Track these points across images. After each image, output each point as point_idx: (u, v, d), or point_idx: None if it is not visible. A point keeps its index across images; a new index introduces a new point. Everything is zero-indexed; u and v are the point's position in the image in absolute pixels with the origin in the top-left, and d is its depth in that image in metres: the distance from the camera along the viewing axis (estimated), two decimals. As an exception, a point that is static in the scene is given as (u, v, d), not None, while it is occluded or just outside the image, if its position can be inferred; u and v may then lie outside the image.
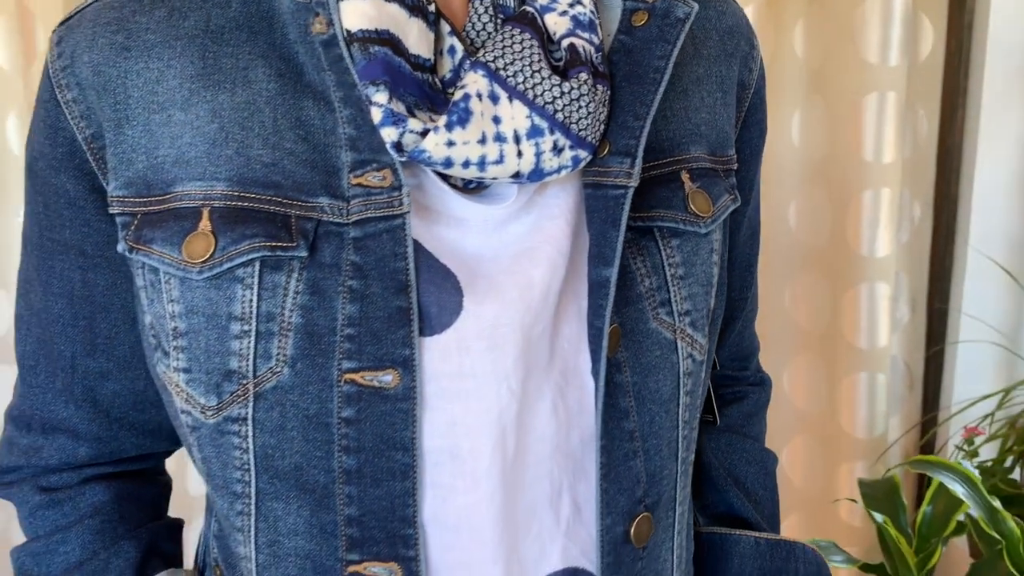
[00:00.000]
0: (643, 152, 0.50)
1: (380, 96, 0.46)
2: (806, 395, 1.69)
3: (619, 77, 0.52)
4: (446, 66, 0.50)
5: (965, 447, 1.45)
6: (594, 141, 0.50)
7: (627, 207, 0.50)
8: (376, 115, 0.46)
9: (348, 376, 0.48)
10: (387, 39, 0.47)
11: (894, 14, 1.48)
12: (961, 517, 1.13)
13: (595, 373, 0.51)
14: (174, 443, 0.63)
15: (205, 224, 0.48)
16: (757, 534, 0.65)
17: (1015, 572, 0.95)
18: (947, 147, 1.58)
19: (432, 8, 0.49)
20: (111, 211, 0.51)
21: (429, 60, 0.49)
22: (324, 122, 0.48)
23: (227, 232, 0.47)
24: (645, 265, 0.53)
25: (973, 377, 1.57)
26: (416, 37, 0.48)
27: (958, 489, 1.00)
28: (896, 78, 1.50)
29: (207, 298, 0.48)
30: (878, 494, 1.19)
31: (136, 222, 0.50)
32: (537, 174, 0.49)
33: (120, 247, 0.51)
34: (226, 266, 0.48)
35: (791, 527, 1.68)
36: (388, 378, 0.47)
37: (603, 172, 0.51)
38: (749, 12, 1.54)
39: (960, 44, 1.53)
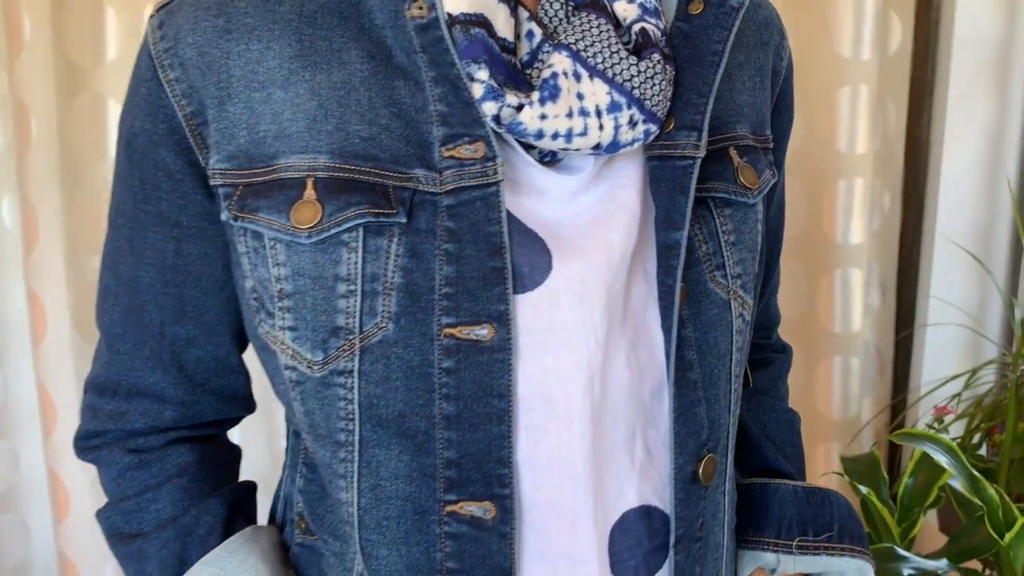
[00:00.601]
0: (707, 126, 0.55)
1: (481, 73, 0.51)
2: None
3: (680, 60, 0.57)
4: (524, 48, 0.54)
5: (935, 426, 1.51)
6: (662, 116, 0.55)
7: (695, 176, 0.55)
8: (477, 90, 0.51)
9: (447, 330, 0.52)
10: (482, 22, 0.51)
11: (866, 10, 1.53)
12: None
13: (666, 328, 0.56)
14: (247, 409, 0.67)
15: (310, 193, 0.51)
16: (794, 483, 0.70)
17: (995, 535, 1.01)
18: (915, 139, 1.64)
19: None
20: (212, 183, 0.55)
21: (511, 42, 0.53)
22: (415, 100, 0.52)
23: (332, 200, 0.51)
24: (702, 232, 0.58)
25: (941, 359, 1.63)
26: (503, 21, 0.53)
27: (941, 459, 1.05)
28: (868, 72, 1.56)
29: (314, 261, 0.52)
30: (860, 469, 1.24)
31: (239, 192, 0.54)
32: (614, 146, 0.53)
33: (224, 216, 0.55)
34: (333, 231, 0.51)
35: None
36: (484, 332, 0.52)
37: (670, 145, 0.56)
38: (727, 8, 1.59)
39: (927, 40, 1.59)
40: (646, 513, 0.57)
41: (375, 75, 0.53)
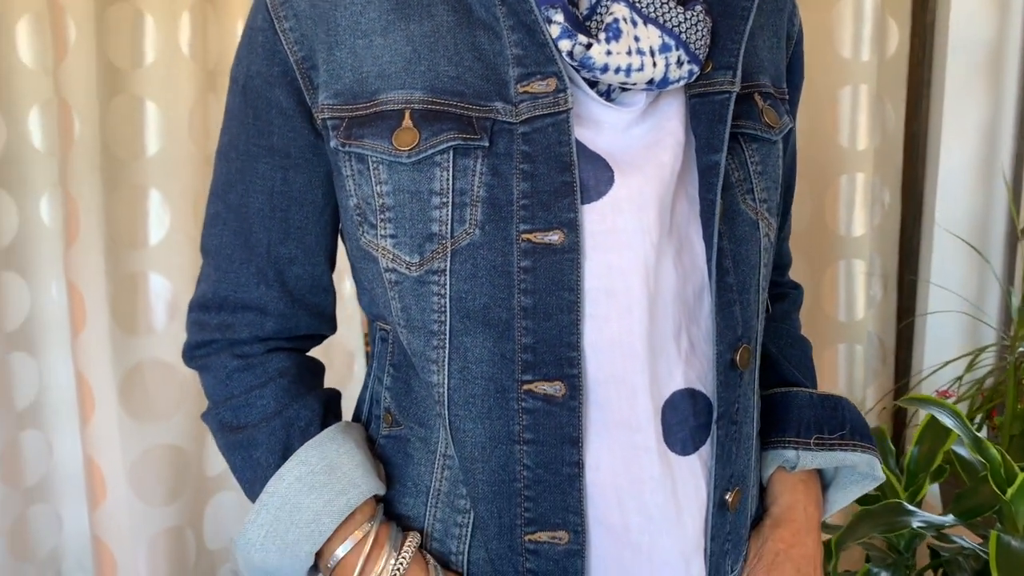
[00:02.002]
0: (741, 67, 0.64)
1: (558, 16, 0.60)
2: (790, 368, 1.82)
3: (715, 14, 0.67)
4: (584, 4, 0.64)
5: (938, 408, 1.58)
6: (703, 59, 0.64)
7: (731, 107, 0.65)
8: (555, 30, 0.60)
9: (525, 236, 0.61)
10: None
11: (865, 13, 1.62)
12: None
13: (707, 237, 0.65)
14: (331, 328, 0.76)
15: (408, 122, 0.61)
16: (810, 390, 0.79)
17: (998, 491, 1.07)
18: (913, 136, 1.72)
19: None
20: (320, 117, 0.64)
21: None
22: (493, 47, 0.62)
23: (427, 127, 0.61)
24: (734, 161, 0.67)
25: (943, 346, 1.70)
26: None
27: (947, 420, 1.12)
28: (868, 71, 1.64)
29: (412, 178, 0.61)
30: (868, 441, 1.31)
31: (345, 124, 0.63)
32: (664, 82, 0.63)
33: (332, 143, 0.63)
34: (429, 152, 0.61)
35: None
36: (555, 237, 0.61)
37: (708, 84, 0.65)
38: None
39: (923, 42, 1.68)
40: (691, 395, 0.66)
41: (459, 25, 0.62)
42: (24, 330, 1.73)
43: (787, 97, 0.75)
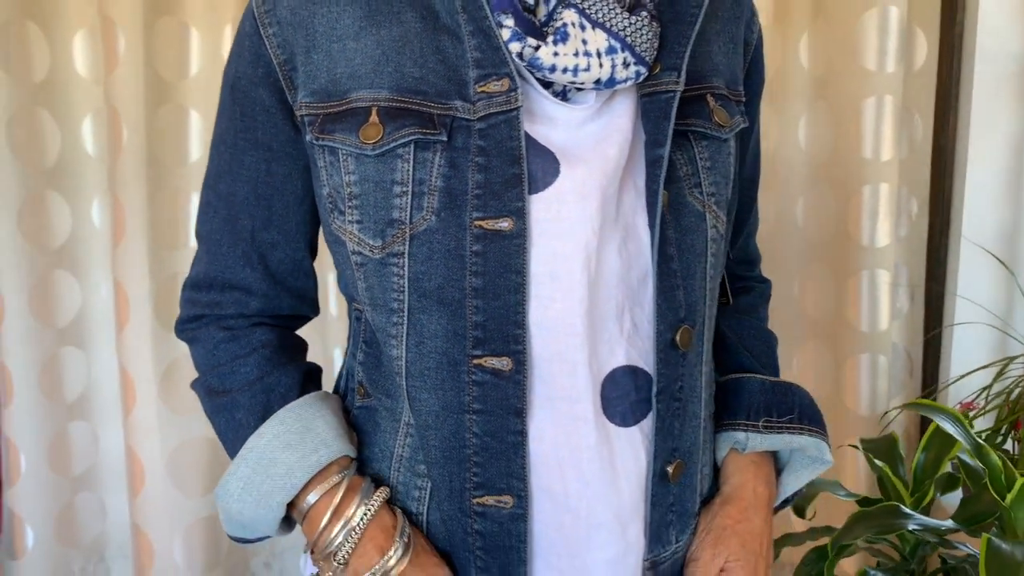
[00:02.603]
0: (686, 69, 0.69)
1: (508, 21, 0.66)
2: (814, 378, 1.82)
3: (665, 20, 0.72)
4: (542, 11, 0.69)
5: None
6: (650, 60, 0.69)
7: (675, 105, 0.69)
8: (506, 34, 0.66)
9: (477, 222, 0.66)
10: None
11: (890, 26, 1.63)
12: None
13: (651, 225, 0.70)
14: (313, 311, 0.82)
15: (374, 118, 0.67)
16: (763, 376, 0.82)
17: (997, 497, 1.08)
18: (941, 148, 1.72)
19: None
20: (299, 114, 0.70)
21: (532, 5, 0.68)
22: (456, 50, 0.68)
23: (391, 123, 0.67)
24: (683, 157, 0.72)
25: (969, 358, 1.69)
26: None
27: (947, 426, 1.12)
28: (893, 83, 1.65)
29: (376, 169, 0.67)
30: (879, 447, 1.31)
31: (319, 119, 0.69)
32: (611, 82, 0.67)
33: (308, 138, 0.69)
34: (391, 146, 0.67)
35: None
36: (505, 224, 0.66)
37: (656, 84, 0.70)
38: (758, 25, 1.70)
39: (952, 53, 1.68)
40: (632, 371, 0.71)
41: (426, 31, 0.68)
42: (75, 326, 1.82)
43: (743, 99, 0.79)
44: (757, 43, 0.83)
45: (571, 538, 0.72)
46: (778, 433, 0.80)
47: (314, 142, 0.70)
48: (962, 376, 1.61)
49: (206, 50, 1.69)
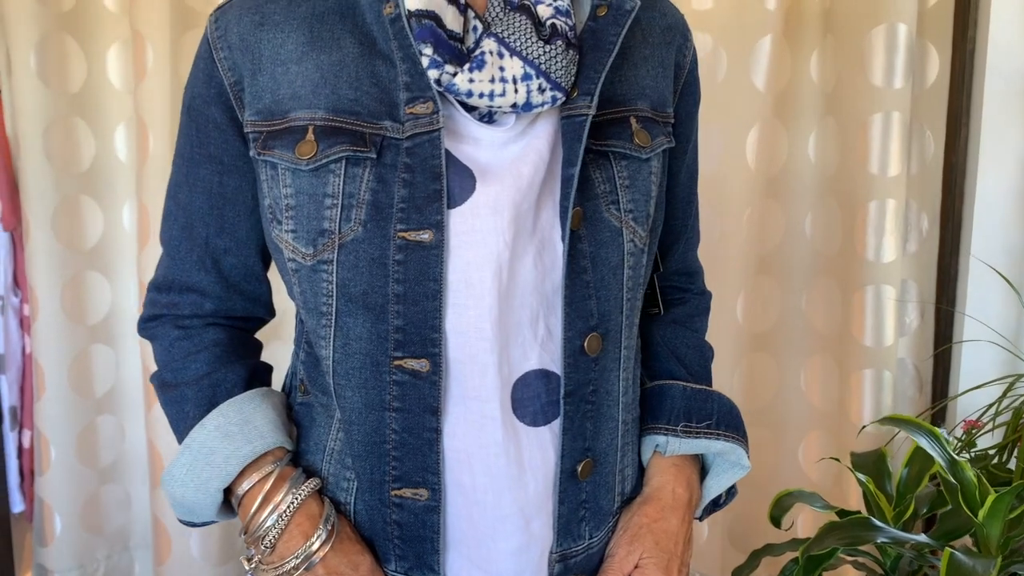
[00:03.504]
0: (599, 94, 0.74)
1: (427, 50, 0.71)
2: (820, 391, 1.82)
3: (586, 48, 0.76)
4: (470, 38, 0.73)
5: (962, 439, 1.57)
6: (567, 87, 0.73)
7: (587, 127, 0.73)
8: (425, 61, 0.71)
9: (400, 234, 0.71)
10: (432, 16, 0.72)
11: (898, 42, 1.64)
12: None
13: (563, 238, 0.73)
14: (268, 313, 0.87)
15: (310, 136, 0.72)
16: (684, 383, 0.86)
17: (970, 513, 1.08)
18: (952, 164, 1.72)
19: (463, 1, 0.73)
20: (245, 130, 0.76)
21: (458, 33, 0.73)
22: (389, 75, 0.73)
23: (325, 140, 0.72)
24: (602, 176, 0.76)
25: (977, 376, 1.68)
26: (451, 18, 0.73)
27: (922, 441, 1.13)
28: (900, 99, 1.65)
29: (310, 183, 0.73)
30: (867, 462, 1.32)
31: (263, 137, 0.75)
32: (528, 106, 0.72)
33: (252, 153, 0.76)
34: (324, 161, 0.72)
35: (803, 512, 1.80)
36: (426, 235, 0.71)
37: (573, 108, 0.74)
38: (768, 42, 1.72)
39: (963, 70, 1.68)
40: (544, 375, 0.75)
41: (363, 56, 0.73)
42: (105, 324, 1.91)
43: (671, 120, 0.83)
44: (691, 66, 0.87)
45: (479, 529, 0.76)
46: (696, 438, 0.83)
47: (257, 157, 0.75)
48: (965, 391, 1.60)
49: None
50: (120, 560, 2.00)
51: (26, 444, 1.90)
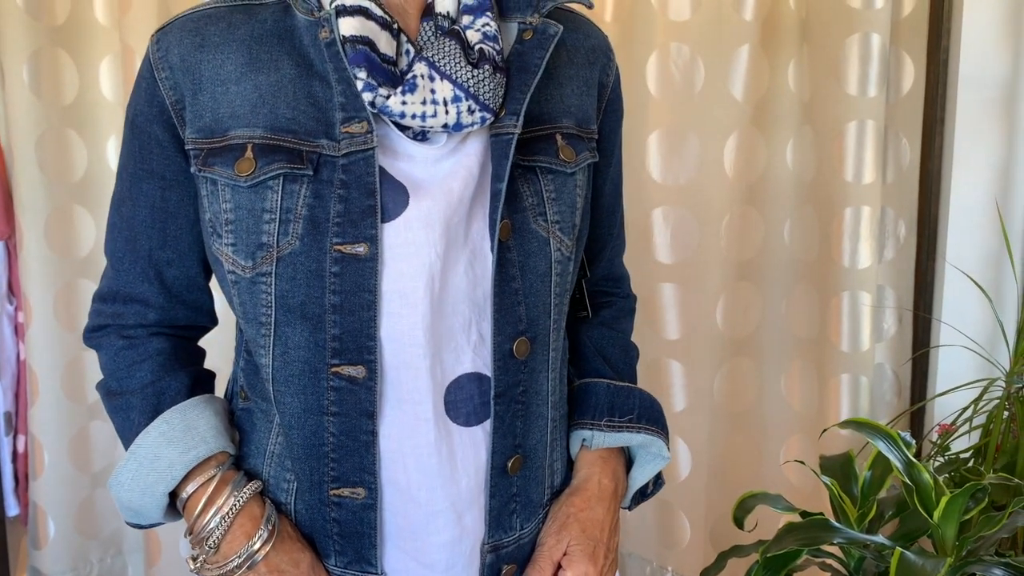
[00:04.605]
0: (525, 114, 0.78)
1: (362, 74, 0.74)
2: (800, 396, 1.84)
3: (513, 70, 0.80)
4: (403, 61, 0.77)
5: (938, 443, 1.59)
6: (494, 107, 0.77)
7: (514, 144, 0.77)
8: (359, 84, 0.74)
9: (336, 247, 0.74)
10: (366, 41, 0.75)
11: (872, 52, 1.66)
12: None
13: (491, 249, 0.78)
14: (211, 322, 0.90)
15: (249, 154, 0.75)
16: (609, 381, 0.90)
17: (925, 514, 1.10)
18: (928, 172, 1.74)
19: (396, 26, 0.77)
20: (186, 147, 0.79)
21: (392, 57, 0.77)
22: (325, 95, 0.76)
23: (263, 158, 0.75)
24: (529, 189, 0.80)
25: (954, 381, 1.69)
26: (385, 43, 0.76)
27: (880, 444, 1.15)
28: (874, 108, 1.67)
29: (248, 199, 0.76)
30: (835, 464, 1.34)
31: (203, 154, 0.78)
32: (458, 126, 0.76)
33: (192, 169, 0.78)
34: (262, 178, 0.75)
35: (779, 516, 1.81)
36: (361, 248, 0.74)
37: (501, 127, 0.78)
38: (745, 52, 1.75)
39: (937, 79, 1.70)
40: (477, 377, 0.80)
41: (300, 77, 0.76)
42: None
43: (595, 136, 0.88)
44: (613, 84, 0.91)
45: (414, 524, 0.80)
46: (618, 431, 0.88)
47: (197, 173, 0.78)
48: (940, 394, 1.62)
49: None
50: (113, 564, 2.03)
51: (20, 449, 1.94)
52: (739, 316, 1.86)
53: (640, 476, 0.91)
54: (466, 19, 0.79)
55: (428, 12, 0.79)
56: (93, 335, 0.87)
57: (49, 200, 1.82)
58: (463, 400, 0.79)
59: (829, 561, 1.29)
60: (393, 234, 0.75)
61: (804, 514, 1.22)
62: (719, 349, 1.85)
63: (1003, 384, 1.51)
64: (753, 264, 1.85)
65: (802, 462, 1.36)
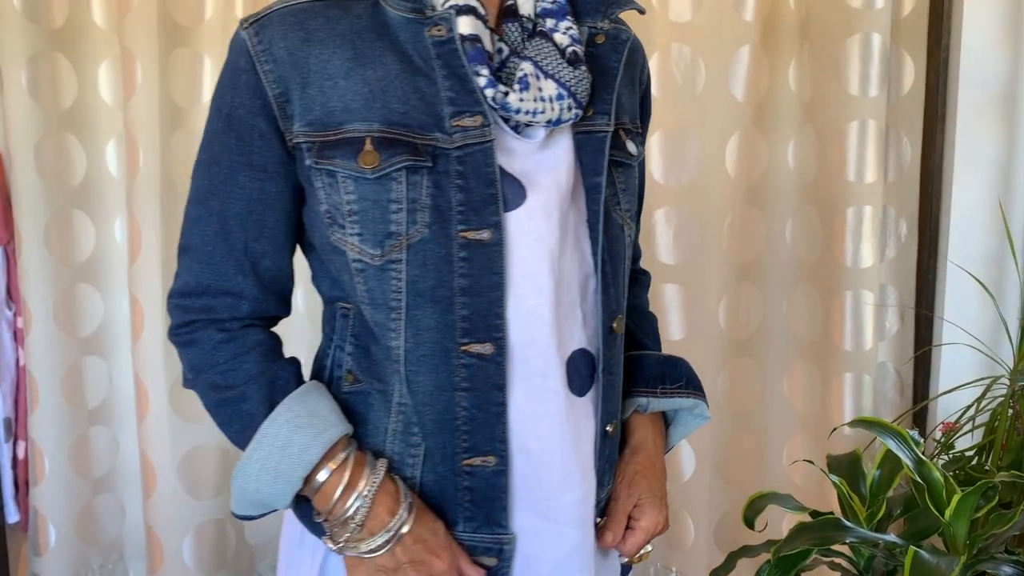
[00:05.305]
0: (614, 112, 0.87)
1: (484, 71, 0.80)
2: (803, 396, 1.85)
3: (594, 72, 0.87)
4: (496, 59, 0.83)
5: (941, 440, 1.59)
6: (585, 105, 0.85)
7: (608, 142, 0.86)
8: (482, 81, 0.80)
9: (462, 234, 0.80)
10: (478, 39, 0.81)
11: (873, 52, 1.67)
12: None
13: (594, 239, 0.86)
14: (288, 312, 0.93)
15: (369, 147, 0.79)
16: (656, 353, 1.02)
17: (936, 513, 1.10)
18: (928, 171, 1.74)
19: (491, 25, 0.84)
20: (295, 141, 0.82)
21: (492, 54, 0.82)
22: (430, 90, 0.81)
23: (385, 151, 0.79)
24: (608, 181, 0.87)
25: (957, 379, 1.70)
26: (487, 41, 0.82)
27: (889, 442, 1.15)
28: (875, 107, 1.68)
29: (374, 190, 0.80)
30: (842, 464, 1.34)
31: (316, 146, 0.81)
32: (559, 121, 0.83)
33: (307, 162, 0.81)
34: (388, 170, 0.79)
35: (784, 515, 1.81)
36: (486, 234, 0.80)
37: (590, 124, 0.86)
38: (746, 52, 1.75)
39: (938, 78, 1.71)
40: (583, 353, 0.87)
41: (404, 72, 0.81)
42: (97, 336, 1.94)
43: (641, 132, 0.96)
44: (646, 85, 0.99)
45: (547, 485, 0.86)
46: (671, 397, 0.97)
47: (313, 165, 0.81)
48: (943, 393, 1.63)
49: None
50: (115, 570, 2.02)
51: (20, 455, 1.93)
52: (741, 317, 1.86)
53: (677, 435, 1.01)
54: (549, 22, 0.86)
55: (508, 13, 0.85)
56: (182, 331, 0.87)
57: (48, 205, 1.81)
58: (576, 373, 0.86)
59: (838, 560, 1.29)
60: (516, 222, 0.81)
61: (814, 514, 1.22)
62: (721, 350, 1.85)
63: (1007, 381, 1.52)
64: (755, 264, 1.85)
65: (811, 462, 1.36)
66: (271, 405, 0.83)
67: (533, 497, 0.86)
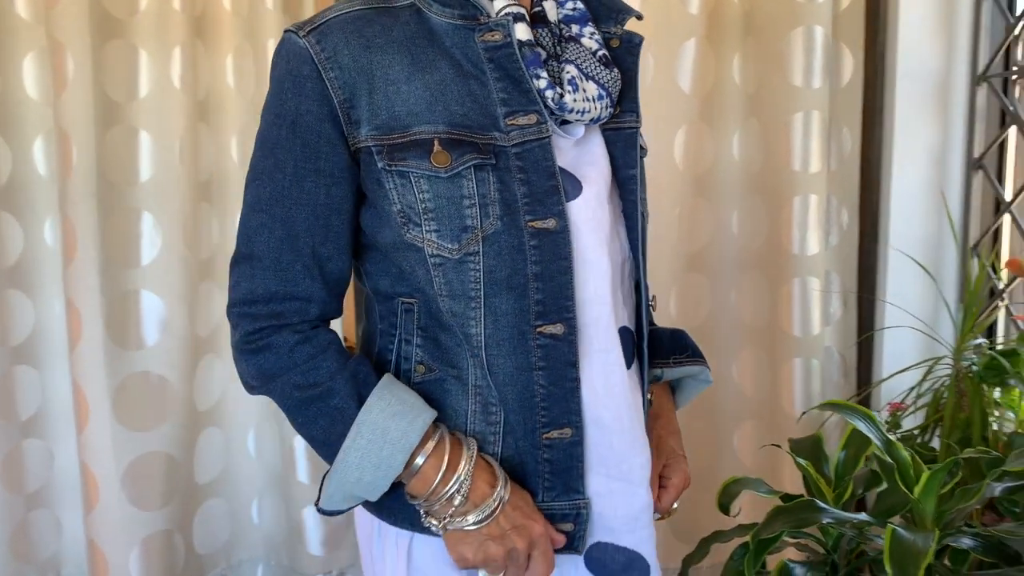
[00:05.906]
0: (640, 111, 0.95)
1: (543, 73, 0.86)
2: (753, 382, 1.89)
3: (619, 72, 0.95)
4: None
5: (889, 420, 1.64)
6: (615, 103, 0.92)
7: (638, 137, 0.93)
8: (542, 84, 0.86)
9: (530, 224, 0.85)
10: (535, 45, 0.87)
11: (815, 44, 1.71)
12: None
13: (631, 227, 0.94)
14: (341, 312, 0.95)
15: (438, 148, 0.84)
16: (664, 327, 1.11)
17: (906, 490, 1.14)
18: (868, 160, 1.80)
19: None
20: (363, 145, 0.85)
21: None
22: (483, 92, 0.86)
23: (454, 151, 0.84)
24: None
25: (900, 361, 1.76)
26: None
27: (859, 424, 1.19)
28: (819, 98, 1.72)
29: (447, 188, 0.84)
30: (805, 446, 1.37)
31: (386, 149, 0.85)
32: (598, 119, 0.90)
33: (379, 165, 0.85)
34: (458, 169, 0.84)
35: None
36: (551, 223, 0.86)
37: (621, 121, 0.93)
38: (692, 45, 1.77)
39: (876, 70, 1.76)
40: (626, 330, 0.95)
41: (456, 77, 0.86)
42: (28, 344, 1.85)
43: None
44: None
45: (619, 450, 0.92)
46: (682, 366, 1.07)
47: (384, 168, 0.85)
48: (890, 376, 1.68)
49: (155, 72, 1.73)
50: (52, 588, 1.93)
51: (-53, 473, 1.82)
52: (691, 307, 1.89)
53: (683, 399, 1.11)
54: (574, 28, 0.92)
55: (537, 19, 0.91)
56: (253, 337, 0.88)
57: (-27, 207, 1.71)
58: (623, 345, 0.92)
59: (805, 541, 1.32)
60: (577, 211, 0.87)
61: (786, 497, 1.25)
62: (673, 339, 1.87)
63: (951, 361, 1.58)
64: (703, 255, 1.88)
65: (778, 446, 1.39)
66: (359, 398, 0.87)
67: (606, 462, 0.92)
